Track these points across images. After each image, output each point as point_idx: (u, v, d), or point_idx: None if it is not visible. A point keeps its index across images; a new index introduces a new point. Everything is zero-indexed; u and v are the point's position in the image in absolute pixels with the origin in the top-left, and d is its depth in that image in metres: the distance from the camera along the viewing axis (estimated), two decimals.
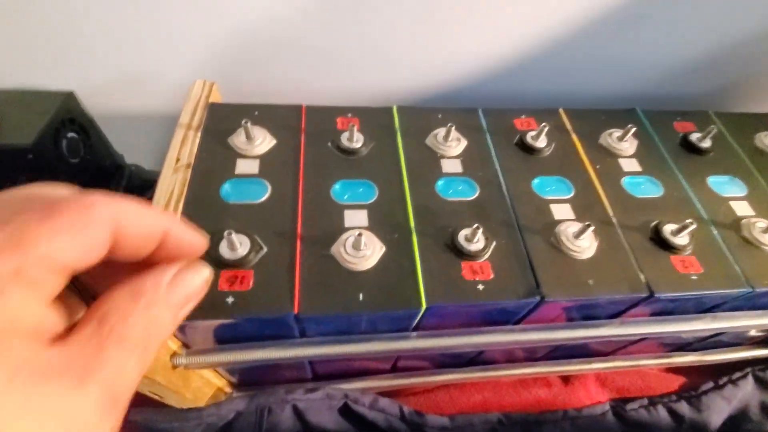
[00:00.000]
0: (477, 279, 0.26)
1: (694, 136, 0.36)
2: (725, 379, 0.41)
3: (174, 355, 0.25)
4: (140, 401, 0.25)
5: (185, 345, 0.26)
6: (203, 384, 0.30)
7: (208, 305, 0.23)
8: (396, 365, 0.37)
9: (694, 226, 0.28)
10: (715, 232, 0.31)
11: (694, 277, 0.28)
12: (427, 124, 0.34)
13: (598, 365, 0.41)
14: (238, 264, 0.24)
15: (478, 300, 0.25)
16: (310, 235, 0.27)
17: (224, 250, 0.24)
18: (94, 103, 0.46)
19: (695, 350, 0.42)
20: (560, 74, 0.42)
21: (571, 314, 0.29)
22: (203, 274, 0.17)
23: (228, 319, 0.23)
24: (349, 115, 0.34)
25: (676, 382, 0.42)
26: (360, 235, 0.25)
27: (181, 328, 0.24)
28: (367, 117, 0.34)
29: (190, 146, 0.30)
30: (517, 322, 0.30)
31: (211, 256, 0.24)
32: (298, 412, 0.32)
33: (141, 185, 0.50)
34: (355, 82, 0.40)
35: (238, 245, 0.24)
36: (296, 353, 0.25)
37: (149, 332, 0.14)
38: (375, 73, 0.40)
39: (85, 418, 0.12)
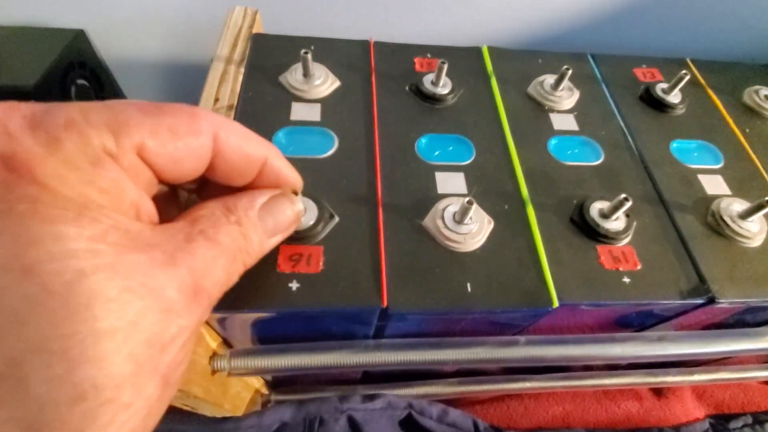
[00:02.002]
0: (621, 269, 0.19)
1: None
2: None
3: (214, 356, 0.18)
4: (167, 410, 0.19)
5: (226, 343, 0.20)
6: (243, 388, 0.24)
7: (266, 291, 0.16)
8: (461, 368, 0.30)
9: None
10: None
11: None
12: (527, 69, 0.27)
13: (699, 377, 0.34)
14: (302, 237, 0.18)
15: (625, 298, 0.18)
16: (394, 202, 0.20)
17: None
18: (108, 45, 0.39)
19: None
20: (683, 23, 0.34)
21: (729, 318, 0.22)
22: (297, 205, 0.16)
23: (292, 310, 0.16)
24: (429, 55, 0.26)
25: None
26: (470, 203, 0.18)
27: (222, 321, 0.18)
28: (452, 58, 0.26)
29: (231, 84, 0.23)
30: (645, 327, 0.23)
31: None
32: (354, 424, 0.26)
33: None
34: (431, 18, 0.33)
35: (302, 212, 0.18)
36: (378, 359, 0.18)
37: (238, 245, 0.14)
38: (458, 7, 0.32)
39: (171, 298, 0.11)
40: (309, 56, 0.22)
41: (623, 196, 0.19)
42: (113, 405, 0.10)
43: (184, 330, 0.12)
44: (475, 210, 0.19)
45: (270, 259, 0.17)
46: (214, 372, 0.18)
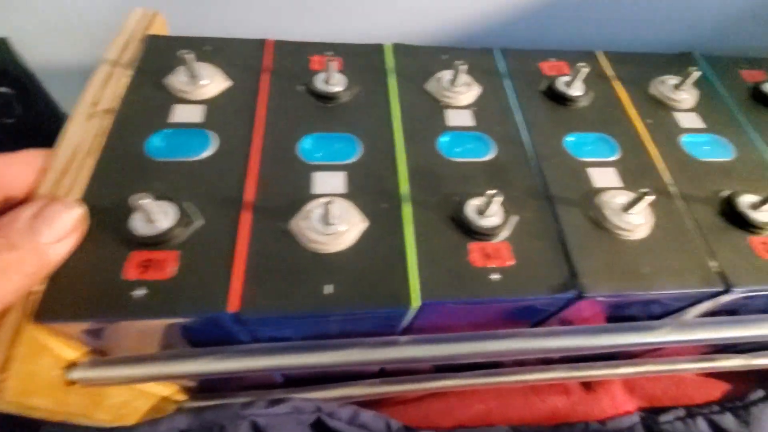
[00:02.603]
0: (490, 266, 0.19)
1: None
2: None
3: (70, 366, 0.18)
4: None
5: (99, 352, 0.19)
6: (133, 397, 0.24)
7: (103, 299, 0.16)
8: (382, 369, 0.30)
9: None
10: None
11: None
12: (430, 66, 0.26)
13: (626, 369, 0.34)
14: (156, 242, 0.17)
15: (492, 295, 0.18)
16: (266, 205, 0.19)
17: (137, 223, 0.17)
18: (33, 52, 0.38)
19: (742, 351, 0.35)
20: (595, 16, 0.34)
21: (615, 312, 0.22)
22: (72, 209, 0.16)
23: (136, 320, 0.16)
24: (330, 53, 0.26)
25: (717, 389, 0.36)
26: (329, 203, 0.18)
27: (95, 331, 0.17)
28: (352, 56, 0.26)
29: (114, 87, 0.23)
30: (539, 322, 0.23)
31: (120, 233, 0.17)
32: (257, 430, 0.26)
33: None
34: (336, 16, 0.32)
35: (158, 216, 0.17)
36: (239, 366, 0.18)
37: (8, 261, 0.14)
38: (364, 6, 0.32)
39: None
40: (191, 56, 0.22)
41: (493, 191, 0.19)
42: None
43: None
44: (344, 209, 0.19)
45: (115, 266, 0.17)
46: (71, 383, 0.18)
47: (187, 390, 0.28)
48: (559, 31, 0.35)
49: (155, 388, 0.25)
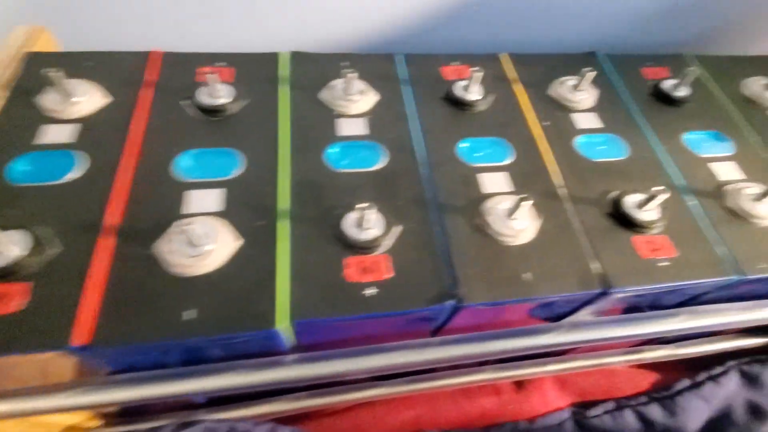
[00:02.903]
0: (366, 281, 0.19)
1: (668, 84, 0.29)
2: (704, 375, 0.34)
3: None
4: None
5: None
6: (27, 427, 0.23)
7: None
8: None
9: (665, 195, 0.21)
10: (692, 202, 0.24)
11: (664, 263, 0.21)
12: (329, 74, 0.26)
13: (555, 366, 0.34)
14: (3, 273, 0.16)
15: (364, 311, 0.18)
16: (132, 228, 0.19)
17: None
18: None
19: (667, 342, 0.36)
20: (502, 17, 0.34)
21: (504, 318, 0.22)
22: None
23: None
24: (222, 63, 0.25)
25: (646, 380, 0.36)
26: (190, 224, 0.17)
27: None
28: (245, 66, 0.25)
29: None
30: (436, 330, 0.22)
31: None
32: None
33: None
34: (232, 25, 0.31)
35: (6, 247, 0.16)
36: (99, 399, 0.17)
37: None
38: (261, 14, 0.31)
39: None
40: (59, 74, 0.21)
41: (366, 204, 0.18)
42: None
43: None
44: (214, 228, 0.18)
45: None
46: None
47: (101, 415, 0.27)
48: (466, 34, 0.35)
49: (55, 417, 0.24)
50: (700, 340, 0.35)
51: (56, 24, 0.27)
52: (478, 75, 0.25)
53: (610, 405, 0.34)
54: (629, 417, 0.33)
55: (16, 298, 0.16)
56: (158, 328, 0.16)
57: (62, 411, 0.17)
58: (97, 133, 0.21)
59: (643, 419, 0.33)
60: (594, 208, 0.23)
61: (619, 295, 0.20)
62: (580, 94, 0.27)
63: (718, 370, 0.35)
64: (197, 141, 0.22)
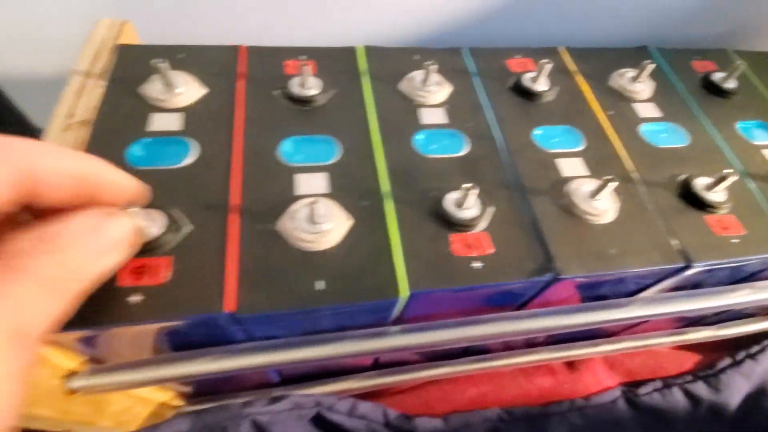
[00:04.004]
0: (472, 255, 0.20)
1: (717, 76, 0.30)
2: (743, 353, 0.36)
3: (70, 376, 0.18)
4: None
5: (97, 360, 0.19)
6: (133, 403, 0.24)
7: (101, 307, 0.16)
8: (377, 361, 0.31)
9: (734, 178, 0.23)
10: (751, 185, 0.25)
11: (735, 240, 0.23)
12: (402, 66, 0.27)
13: (605, 347, 0.35)
14: (149, 249, 0.18)
15: (475, 282, 0.19)
16: (252, 208, 0.20)
17: None
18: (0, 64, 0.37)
19: (709, 324, 0.37)
20: (557, 12, 0.36)
21: (587, 292, 0.23)
22: (119, 220, 0.15)
23: (132, 325, 0.16)
24: (304, 57, 0.27)
25: (690, 360, 0.38)
26: (314, 202, 0.18)
27: (88, 339, 0.17)
28: (326, 59, 0.27)
29: (87, 99, 0.23)
30: (520, 306, 0.24)
31: None
32: (259, 428, 0.26)
33: None
34: (306, 21, 0.33)
35: (146, 224, 0.18)
36: (236, 364, 0.19)
37: (56, 274, 0.13)
38: (335, 8, 0.33)
39: None
40: (165, 65, 0.22)
41: (470, 184, 0.20)
42: None
43: (4, 377, 0.11)
44: (329, 208, 0.20)
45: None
46: (72, 392, 0.18)
47: (183, 395, 0.28)
48: (522, 29, 0.36)
49: (153, 394, 0.25)
50: (740, 321, 0.36)
51: (134, 17, 0.28)
52: (548, 67, 0.26)
53: (658, 384, 0.36)
54: (677, 394, 0.35)
55: (163, 271, 0.17)
56: (296, 297, 0.18)
57: (183, 379, 0.19)
58: (201, 122, 0.23)
59: (690, 396, 0.35)
60: (665, 191, 0.24)
61: (696, 270, 0.22)
62: (639, 85, 0.29)
63: (756, 348, 0.36)
64: (294, 129, 0.23)
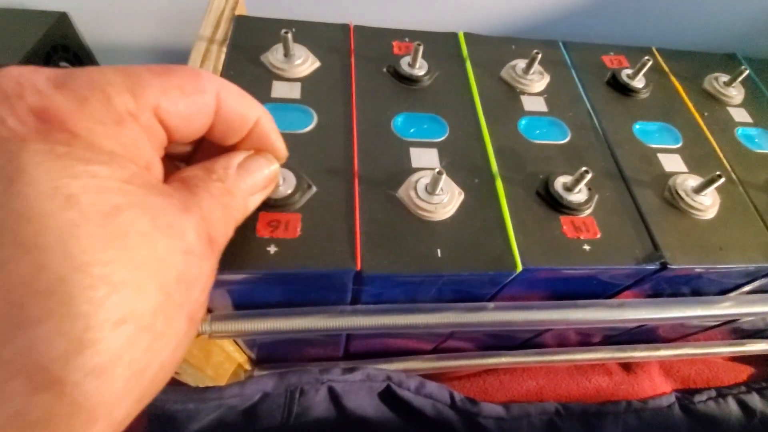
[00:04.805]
0: (582, 237, 0.20)
1: None
2: None
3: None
4: None
5: (208, 310, 0.20)
6: (225, 359, 0.25)
7: (246, 254, 0.17)
8: (438, 346, 0.32)
9: None
10: None
11: None
12: (501, 54, 0.28)
13: (665, 352, 0.36)
14: (281, 205, 0.19)
15: (587, 263, 0.20)
16: (370, 175, 0.21)
17: None
18: (92, 28, 0.39)
19: (766, 337, 0.37)
20: (646, 13, 0.36)
21: (684, 286, 0.23)
22: (273, 164, 0.17)
23: (269, 272, 0.17)
24: (407, 39, 0.28)
25: (744, 371, 0.38)
26: (440, 173, 0.19)
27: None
28: (429, 43, 0.27)
29: (213, 63, 0.24)
30: (608, 296, 0.24)
31: None
32: (333, 395, 0.27)
33: None
34: (411, 6, 0.34)
35: (281, 181, 0.19)
36: (355, 323, 0.19)
37: (225, 200, 0.14)
38: None
39: (191, 241, 0.12)
40: (290, 36, 0.23)
41: (584, 168, 0.20)
42: (150, 332, 0.11)
43: (204, 273, 0.13)
44: (446, 181, 0.20)
45: (249, 225, 0.18)
46: (197, 335, 0.19)
47: (251, 360, 0.29)
48: (610, 27, 0.36)
49: (237, 354, 0.26)
50: None
51: None
52: (649, 63, 0.27)
53: (713, 392, 0.36)
54: (732, 404, 0.35)
55: (294, 226, 0.18)
56: (418, 262, 0.18)
57: (313, 331, 0.19)
58: (318, 92, 0.24)
59: (744, 407, 0.35)
60: (762, 192, 0.24)
61: None
62: (732, 90, 0.29)
63: None
64: (403, 105, 0.24)
